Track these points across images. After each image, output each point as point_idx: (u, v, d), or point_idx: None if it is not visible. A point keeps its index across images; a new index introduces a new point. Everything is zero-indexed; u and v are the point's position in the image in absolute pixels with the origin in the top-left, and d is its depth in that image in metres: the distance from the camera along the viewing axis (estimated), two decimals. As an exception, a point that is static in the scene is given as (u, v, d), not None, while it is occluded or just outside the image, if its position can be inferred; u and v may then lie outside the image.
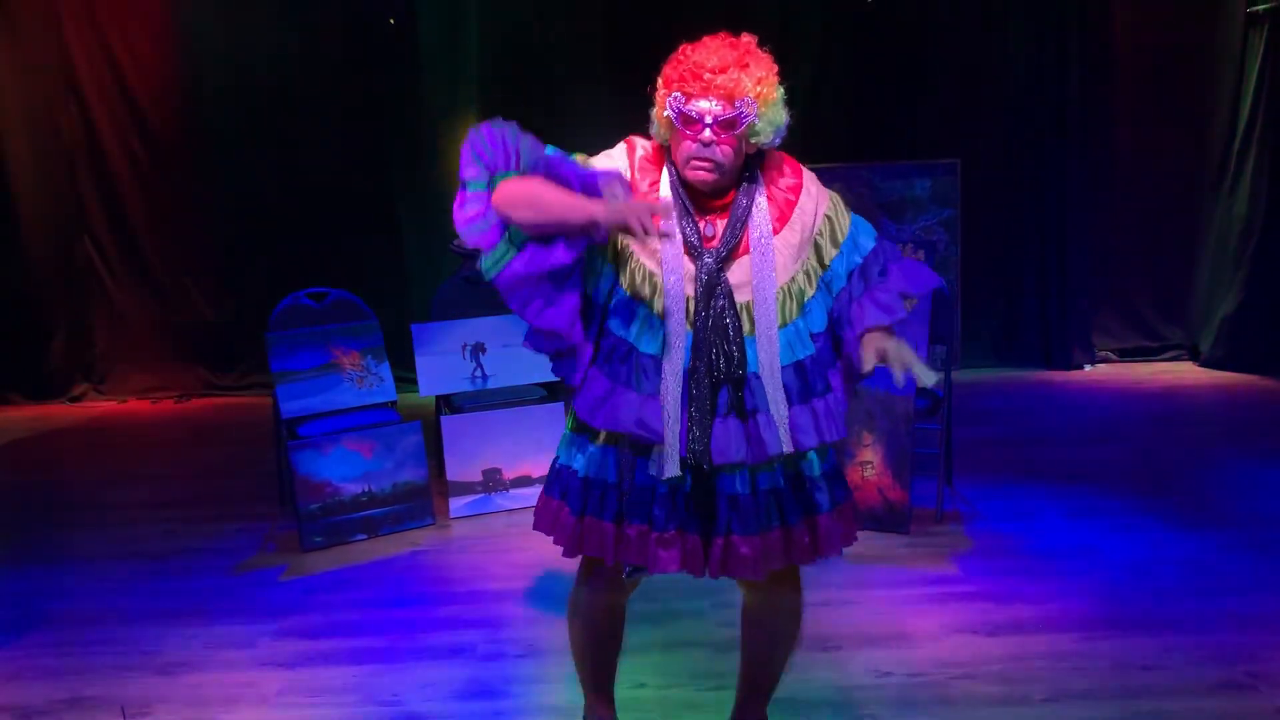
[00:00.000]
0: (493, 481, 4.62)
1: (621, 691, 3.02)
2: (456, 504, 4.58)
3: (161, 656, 3.40)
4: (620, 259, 2.33)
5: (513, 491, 4.63)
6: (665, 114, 2.27)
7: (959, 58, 6.88)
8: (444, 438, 4.61)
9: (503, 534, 4.39)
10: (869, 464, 4.23)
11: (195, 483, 5.20)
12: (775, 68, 2.31)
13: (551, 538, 2.42)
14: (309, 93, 6.80)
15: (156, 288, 6.99)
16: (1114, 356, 7.15)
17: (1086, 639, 3.32)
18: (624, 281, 2.32)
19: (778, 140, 2.35)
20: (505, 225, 2.23)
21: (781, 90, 2.32)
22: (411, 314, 6.16)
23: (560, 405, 4.68)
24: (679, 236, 2.28)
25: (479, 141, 2.28)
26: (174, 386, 7.04)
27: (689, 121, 2.24)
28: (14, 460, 5.75)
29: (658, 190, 2.33)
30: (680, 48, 2.30)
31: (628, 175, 2.32)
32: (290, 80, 6.79)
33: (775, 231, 2.32)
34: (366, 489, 4.39)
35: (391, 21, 6.60)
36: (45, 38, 6.69)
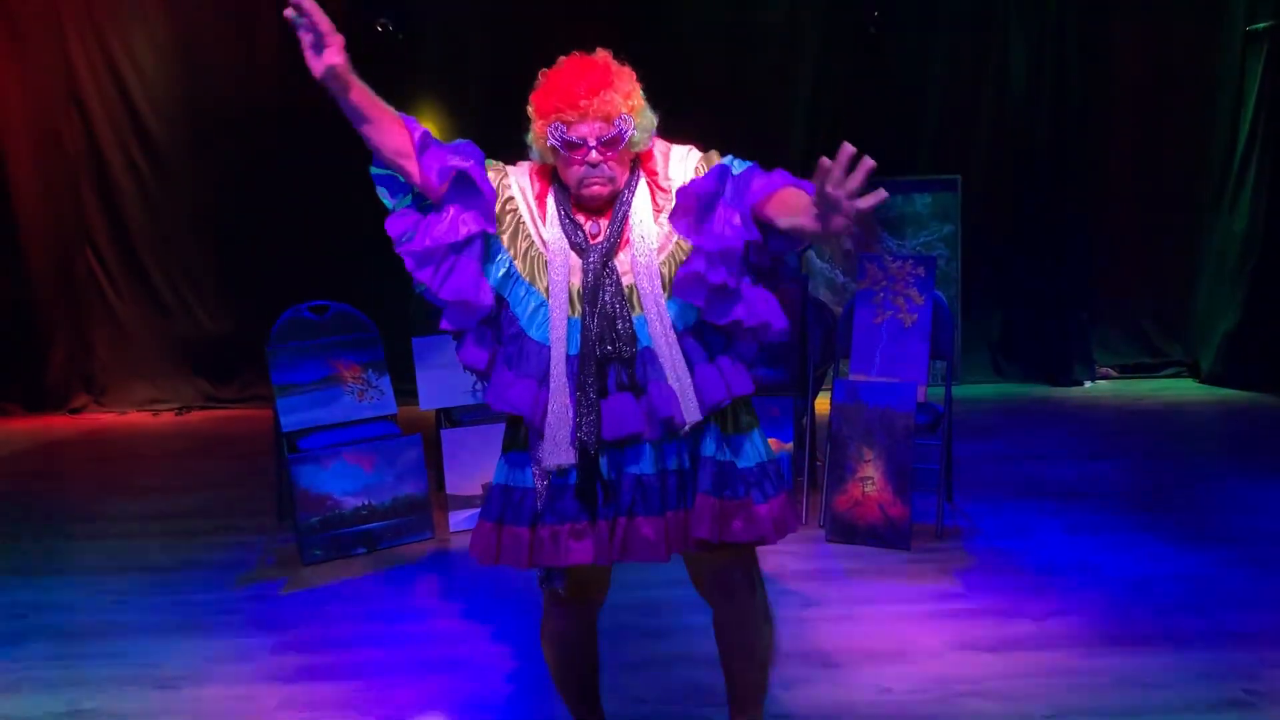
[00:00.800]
0: (493, 495, 4.62)
1: (619, 707, 3.02)
2: (456, 518, 4.58)
3: (160, 669, 3.39)
4: (514, 239, 2.42)
5: (513, 505, 4.62)
6: (549, 143, 2.35)
7: (959, 75, 6.91)
8: (444, 452, 4.61)
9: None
10: (869, 480, 4.23)
11: (195, 495, 5.19)
12: (634, 74, 2.41)
13: (473, 555, 2.47)
14: (312, 106, 6.78)
15: (158, 300, 7.00)
16: (1114, 373, 7.15)
17: (1087, 655, 3.31)
18: (515, 257, 2.41)
19: (652, 138, 2.44)
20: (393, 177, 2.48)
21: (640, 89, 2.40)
22: (412, 328, 6.16)
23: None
24: (564, 239, 2.38)
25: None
26: (174, 399, 7.05)
27: (574, 147, 2.33)
28: (14, 472, 5.74)
29: (544, 206, 2.44)
30: (542, 75, 2.40)
31: (526, 179, 2.46)
32: (293, 93, 6.78)
33: (655, 213, 2.40)
34: (366, 502, 4.39)
35: (379, 29, 6.60)
36: (49, 49, 6.72)
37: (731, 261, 2.29)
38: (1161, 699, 3.04)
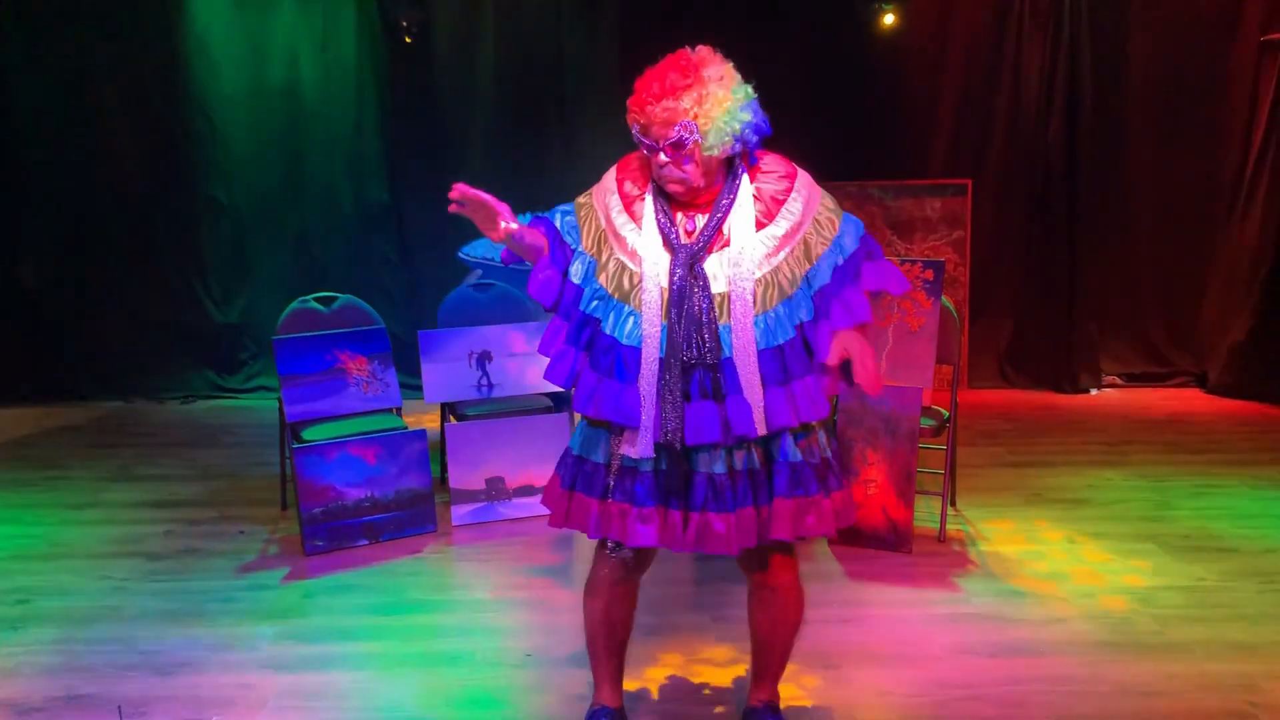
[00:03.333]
0: (496, 490, 4.62)
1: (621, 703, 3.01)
2: (459, 511, 4.58)
3: (160, 656, 3.39)
4: (600, 256, 2.55)
5: (515, 500, 4.62)
6: (635, 137, 2.47)
7: (971, 80, 6.90)
8: (448, 445, 4.61)
9: (504, 542, 4.38)
10: (872, 483, 4.22)
11: (198, 484, 5.20)
12: (724, 76, 2.45)
13: (545, 506, 2.64)
14: (321, 98, 6.83)
15: (165, 288, 7.00)
16: (1121, 381, 7.13)
17: (1088, 663, 3.30)
18: (603, 280, 2.53)
19: (740, 143, 2.48)
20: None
21: (742, 92, 2.46)
22: (419, 321, 6.18)
23: (564, 415, 4.68)
24: (658, 235, 2.48)
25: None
26: (180, 388, 7.05)
27: (646, 147, 2.46)
28: (19, 457, 5.75)
29: (643, 198, 2.55)
30: (644, 72, 2.47)
31: (613, 197, 2.57)
32: (303, 86, 6.82)
33: (759, 226, 2.49)
34: (369, 494, 4.39)
35: (408, 40, 6.62)
36: (60, 36, 6.72)
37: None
38: (1162, 709, 3.03)
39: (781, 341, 2.46)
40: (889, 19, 6.65)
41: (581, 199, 2.63)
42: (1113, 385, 7.10)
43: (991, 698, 3.09)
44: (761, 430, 2.44)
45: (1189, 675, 3.21)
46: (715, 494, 2.45)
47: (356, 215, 6.93)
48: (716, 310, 2.44)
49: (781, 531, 2.47)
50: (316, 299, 4.72)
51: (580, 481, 2.55)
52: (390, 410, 4.63)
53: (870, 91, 6.86)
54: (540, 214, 2.63)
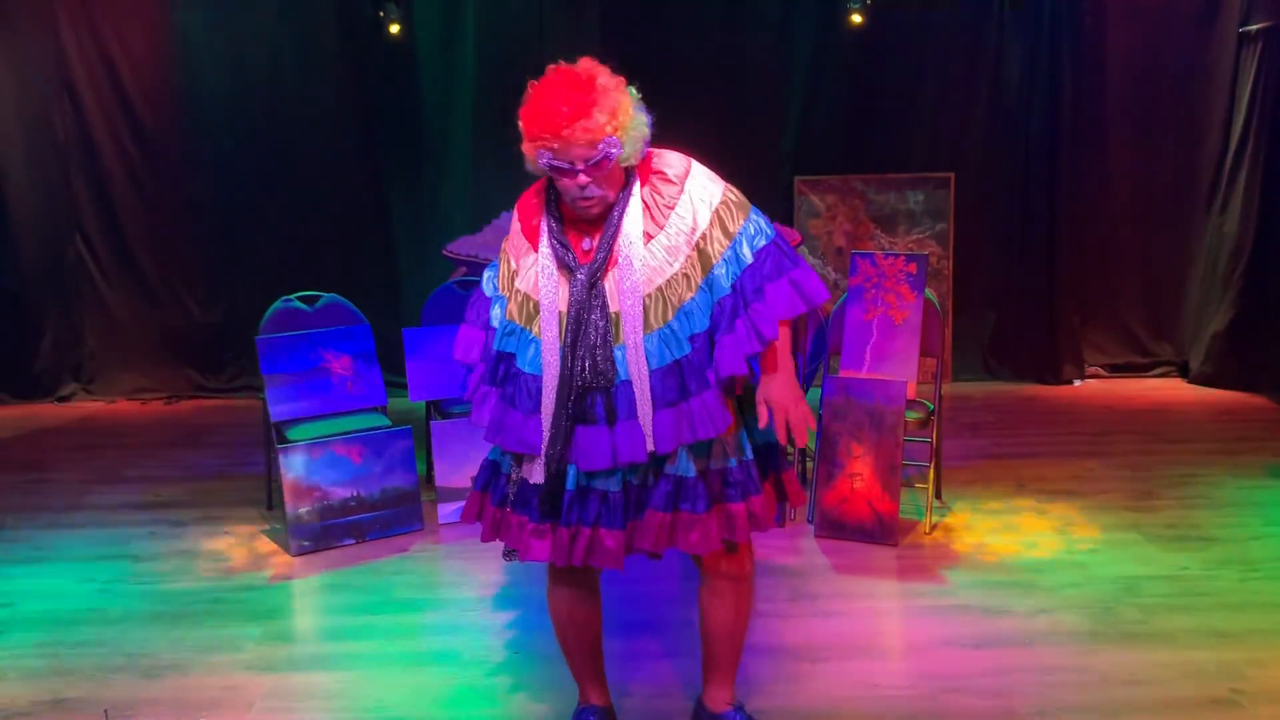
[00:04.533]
0: (482, 488, 4.61)
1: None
2: (445, 510, 4.57)
3: (146, 659, 3.38)
4: (509, 293, 2.56)
5: (502, 498, 4.61)
6: (539, 163, 2.37)
7: (952, 73, 6.91)
8: (433, 443, 4.60)
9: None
10: (858, 476, 4.23)
11: (183, 485, 5.17)
12: (621, 83, 2.37)
13: (462, 516, 2.72)
14: (303, 95, 6.80)
15: (147, 288, 6.96)
16: (1104, 372, 7.16)
17: (1073, 653, 3.32)
18: (511, 311, 2.53)
19: (646, 146, 2.44)
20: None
21: (632, 92, 2.39)
22: (403, 319, 6.16)
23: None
24: (553, 258, 2.44)
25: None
26: (163, 388, 7.02)
27: (562, 171, 2.35)
28: (0, 460, 5.72)
29: (539, 232, 2.50)
30: (530, 88, 2.37)
31: (518, 237, 2.56)
32: (285, 82, 6.79)
33: (648, 238, 2.42)
34: (355, 494, 4.38)
35: (391, 29, 6.57)
36: (40, 35, 6.68)
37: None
38: (1147, 697, 3.05)
39: (678, 356, 2.40)
40: (870, 12, 6.65)
41: (502, 246, 2.64)
42: (1095, 376, 7.13)
43: (977, 689, 3.11)
44: (651, 450, 2.39)
45: (1173, 663, 3.24)
46: (608, 510, 2.44)
47: (340, 213, 6.89)
48: (613, 331, 2.39)
49: (645, 542, 2.44)
50: (300, 298, 4.71)
51: (491, 487, 2.61)
52: (375, 409, 4.61)
53: (852, 85, 6.86)
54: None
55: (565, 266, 2.43)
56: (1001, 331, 7.13)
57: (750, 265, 2.42)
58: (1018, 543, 4.24)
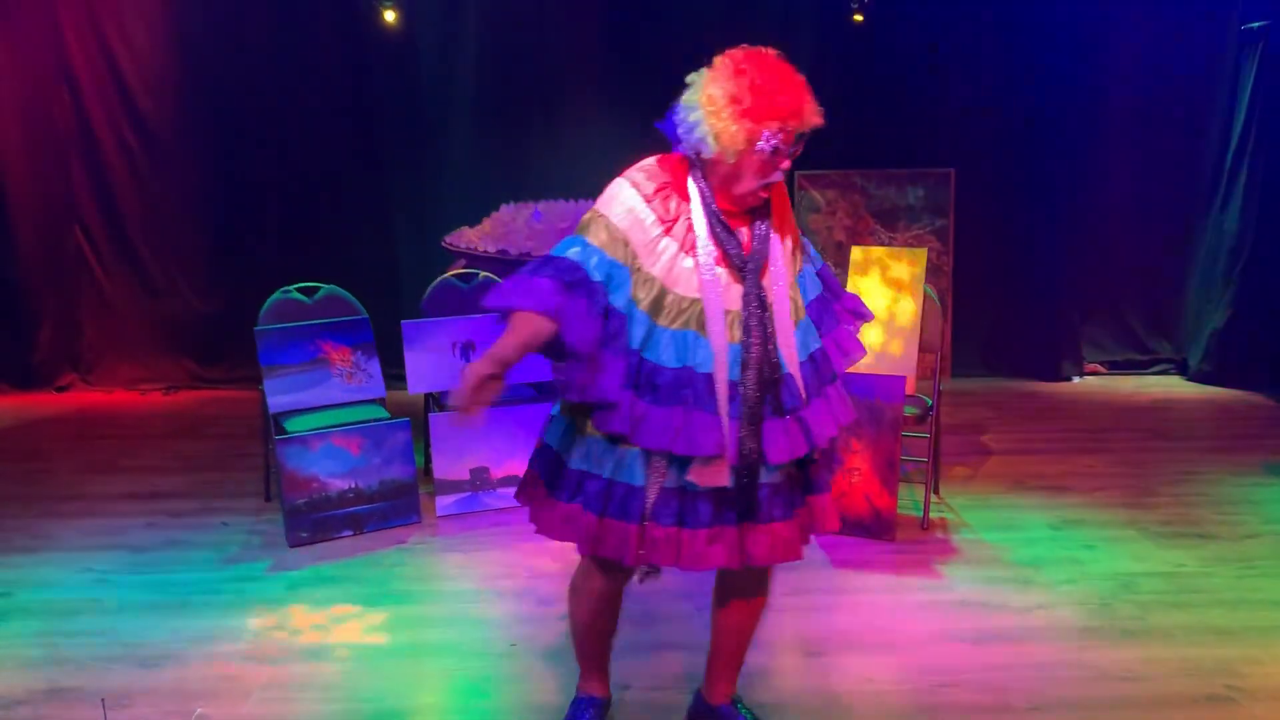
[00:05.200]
0: (480, 480, 4.62)
1: (605, 692, 3.02)
2: (443, 502, 4.57)
3: (143, 648, 3.38)
4: (656, 306, 2.33)
5: (500, 491, 4.61)
6: (759, 146, 2.25)
7: (953, 69, 6.90)
8: (432, 435, 4.60)
9: (489, 533, 4.38)
10: (856, 471, 4.23)
11: (181, 475, 5.17)
12: None
13: (561, 539, 2.45)
14: (304, 87, 6.78)
15: (146, 279, 6.96)
16: (1103, 369, 7.17)
17: (1069, 649, 3.33)
18: (664, 322, 2.33)
19: None
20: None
21: None
22: (402, 311, 6.15)
23: (549, 405, 4.65)
24: (716, 252, 2.33)
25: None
26: (162, 378, 7.01)
27: (779, 156, 2.29)
28: (-1, 449, 5.72)
29: (688, 215, 2.35)
30: (736, 67, 2.26)
31: (650, 219, 2.33)
32: (285, 74, 6.77)
33: (782, 237, 2.43)
34: (353, 485, 4.38)
35: (387, 16, 6.55)
36: (40, 25, 6.66)
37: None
38: (1143, 693, 3.06)
39: (814, 349, 2.44)
40: (871, 8, 6.64)
41: (600, 236, 2.33)
42: (1094, 373, 7.14)
43: (974, 684, 3.11)
44: (819, 441, 2.40)
45: (1169, 660, 3.24)
46: (779, 502, 2.40)
47: (340, 204, 6.89)
48: (773, 325, 2.36)
49: (833, 523, 2.49)
50: (299, 289, 4.70)
51: (611, 508, 2.36)
52: (374, 400, 4.61)
53: (853, 80, 6.85)
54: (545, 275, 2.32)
55: (731, 261, 2.35)
56: (1001, 328, 7.13)
57: (818, 261, 2.56)
58: (1015, 539, 4.24)
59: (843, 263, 6.66)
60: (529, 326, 2.26)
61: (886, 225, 6.97)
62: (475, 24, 6.72)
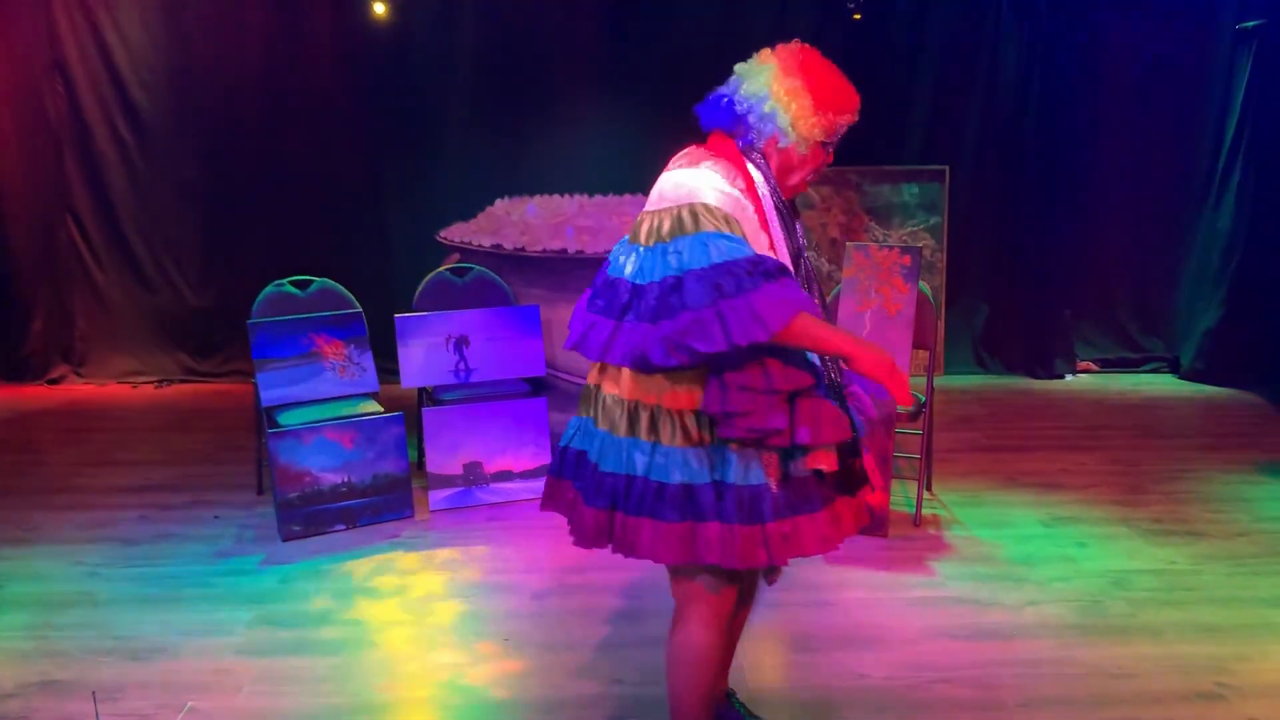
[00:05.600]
0: (473, 475, 4.61)
1: (598, 687, 3.02)
2: (436, 496, 4.57)
3: (135, 642, 3.38)
4: None
5: (493, 485, 4.61)
6: (826, 139, 2.34)
7: (948, 68, 6.90)
8: (425, 430, 4.60)
9: (482, 527, 4.38)
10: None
11: (173, 469, 5.16)
12: None
13: (706, 559, 2.23)
14: (298, 79, 6.77)
15: (139, 271, 6.94)
16: (1095, 367, 7.19)
17: (1061, 646, 3.34)
18: None
19: None
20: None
21: None
22: (395, 305, 6.14)
23: (543, 400, 4.66)
24: (786, 243, 2.33)
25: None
26: (154, 371, 7.00)
27: (831, 149, 2.38)
28: (-10, 441, 5.71)
29: (757, 198, 2.29)
30: (812, 62, 2.38)
31: (743, 200, 2.26)
32: (279, 66, 6.75)
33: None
34: (346, 479, 4.37)
35: (379, 7, 6.54)
36: (32, 17, 6.64)
37: None
38: (1134, 690, 3.07)
39: None
40: (866, 5, 6.64)
41: (723, 224, 2.19)
42: (1087, 371, 7.16)
43: (966, 680, 3.12)
44: (858, 417, 2.42)
45: (1159, 657, 3.26)
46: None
47: (333, 198, 6.87)
48: None
49: (877, 481, 2.50)
50: (292, 282, 4.69)
51: (742, 515, 2.21)
52: (367, 394, 4.61)
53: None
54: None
55: (796, 252, 2.36)
56: (994, 325, 7.15)
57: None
58: (1007, 536, 4.25)
59: (837, 259, 6.68)
60: (814, 320, 2.19)
61: (881, 222, 6.98)
62: (470, 17, 6.71)
